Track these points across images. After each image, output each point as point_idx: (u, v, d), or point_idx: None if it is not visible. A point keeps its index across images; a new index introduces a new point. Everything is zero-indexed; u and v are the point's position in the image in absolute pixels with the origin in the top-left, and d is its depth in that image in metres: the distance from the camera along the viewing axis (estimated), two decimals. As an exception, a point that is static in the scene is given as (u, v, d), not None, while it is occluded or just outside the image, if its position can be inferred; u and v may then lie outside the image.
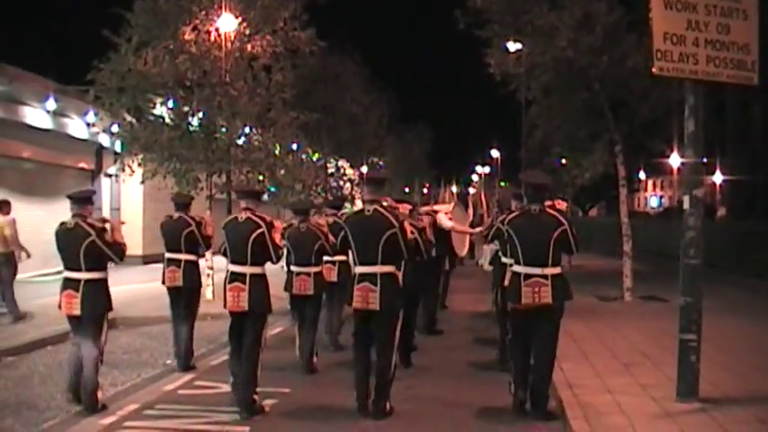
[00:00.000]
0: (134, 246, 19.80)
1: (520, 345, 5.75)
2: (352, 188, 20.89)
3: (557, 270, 5.56)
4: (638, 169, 47.90)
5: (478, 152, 62.36)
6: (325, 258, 7.59)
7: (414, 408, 6.01)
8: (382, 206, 5.76)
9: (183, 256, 7.40)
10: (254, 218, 5.95)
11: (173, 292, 7.47)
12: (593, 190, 30.08)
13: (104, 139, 18.76)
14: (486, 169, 61.01)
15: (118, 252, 5.83)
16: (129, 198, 20.30)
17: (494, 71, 12.46)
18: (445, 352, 8.48)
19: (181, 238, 7.41)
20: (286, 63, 13.15)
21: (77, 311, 5.74)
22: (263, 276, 5.94)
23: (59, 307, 5.91)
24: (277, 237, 5.95)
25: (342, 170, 20.57)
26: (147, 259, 19.42)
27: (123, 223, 6.61)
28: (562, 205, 6.09)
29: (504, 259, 6.57)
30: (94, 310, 5.77)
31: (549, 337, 5.63)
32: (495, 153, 56.03)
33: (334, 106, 18.58)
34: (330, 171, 19.92)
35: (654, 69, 5.75)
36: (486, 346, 8.38)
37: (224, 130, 12.52)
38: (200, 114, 12.39)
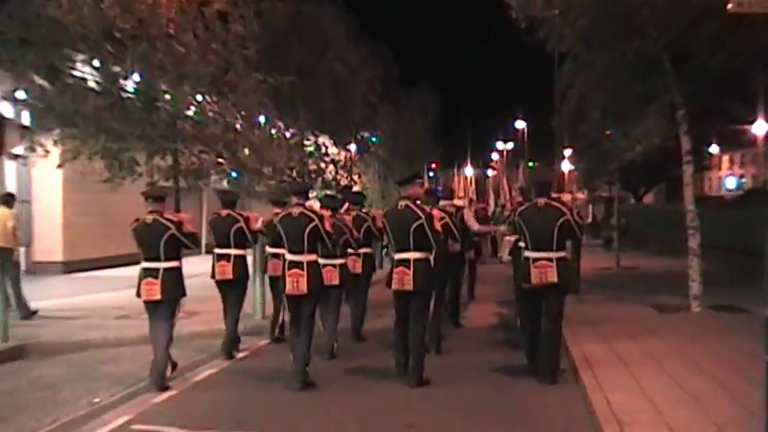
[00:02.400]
0: (53, 250, 19.62)
1: (530, 319, 8.69)
2: (336, 172, 20.73)
3: (561, 254, 8.30)
4: (709, 141, 47.69)
5: (499, 124, 62.63)
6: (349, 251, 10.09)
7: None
8: (414, 202, 8.48)
9: (233, 251, 10.15)
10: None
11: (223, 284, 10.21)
12: (648, 169, 30.07)
13: (6, 109, 18.41)
14: (510, 145, 61.14)
15: (195, 240, 8.49)
16: (43, 187, 19.50)
17: (516, 15, 12.21)
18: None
19: (230, 233, 10.13)
20: (248, 9, 13.08)
21: (158, 296, 8.24)
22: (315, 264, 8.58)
23: (138, 295, 8.43)
24: (327, 224, 8.46)
25: (323, 149, 20.38)
26: (69, 267, 19.23)
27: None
28: (567, 197, 8.90)
29: (525, 253, 8.54)
30: (172, 294, 8.36)
31: (556, 311, 8.38)
32: (520, 124, 56.11)
33: (312, 67, 18.41)
34: (308, 150, 19.76)
35: (729, 6, 5.65)
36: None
37: (168, 97, 12.48)
38: (137, 77, 12.33)
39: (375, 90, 21.73)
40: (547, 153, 34.46)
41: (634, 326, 10.81)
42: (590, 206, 51.83)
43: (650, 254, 24.80)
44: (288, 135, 18.26)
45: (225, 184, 15.42)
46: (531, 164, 55.03)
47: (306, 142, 19.53)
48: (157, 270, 8.27)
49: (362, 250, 10.85)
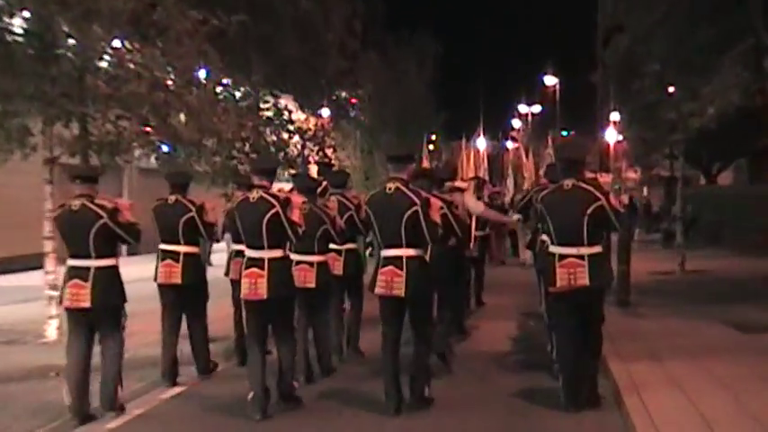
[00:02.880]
0: None
1: (562, 332, 8.74)
2: (303, 145, 20.61)
3: (594, 249, 8.31)
4: None
5: (522, 81, 62.45)
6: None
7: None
8: (406, 184, 8.56)
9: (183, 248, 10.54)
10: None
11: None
12: (725, 139, 29.89)
13: None
14: (536, 109, 61.11)
15: (135, 233, 8.95)
16: None
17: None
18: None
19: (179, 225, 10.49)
20: None
21: (86, 303, 8.50)
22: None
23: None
24: (295, 213, 8.63)
25: (286, 114, 20.26)
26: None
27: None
28: (605, 179, 8.95)
29: (550, 248, 8.75)
30: (106, 301, 8.64)
31: (594, 322, 8.53)
32: (550, 81, 56.08)
33: (270, 2, 18.29)
34: (266, 116, 19.63)
35: None
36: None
37: (72, 42, 12.34)
38: (27, 14, 12.19)
39: (355, 34, 21.56)
40: (586, 119, 34.38)
41: (704, 348, 10.78)
42: (645, 190, 52.26)
43: (727, 253, 24.83)
44: (238, 96, 18.16)
45: (153, 160, 15.33)
46: (564, 133, 55.20)
47: (262, 105, 19.40)
48: (87, 270, 8.49)
49: (346, 246, 11.04)
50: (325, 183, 11.21)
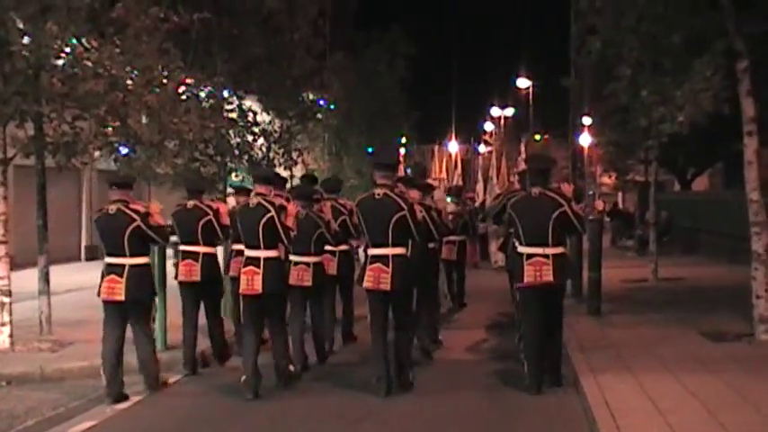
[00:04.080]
0: None
1: (529, 322, 10.08)
2: (269, 147, 20.49)
3: (558, 250, 9.76)
4: None
5: (495, 83, 62.63)
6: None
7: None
8: (392, 190, 9.85)
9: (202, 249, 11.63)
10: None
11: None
12: (699, 144, 30.11)
13: None
14: (509, 111, 61.32)
15: (163, 234, 10.21)
16: None
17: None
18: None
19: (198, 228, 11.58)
20: None
21: (121, 296, 9.73)
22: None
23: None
24: (290, 219, 10.08)
25: (251, 116, 20.14)
26: None
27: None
28: (568, 188, 10.45)
29: (519, 248, 10.08)
30: (138, 295, 9.90)
31: (555, 314, 10.10)
32: (523, 83, 56.28)
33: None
34: (230, 117, 19.50)
35: None
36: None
37: (26, 40, 12.23)
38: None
39: (322, 32, 21.45)
40: (560, 122, 34.61)
41: (676, 358, 10.83)
42: (619, 196, 52.50)
43: (701, 260, 25.02)
44: (201, 96, 18.03)
45: (112, 163, 15.23)
46: (537, 137, 55.41)
47: (227, 106, 19.27)
48: (122, 267, 9.80)
49: (340, 248, 12.48)
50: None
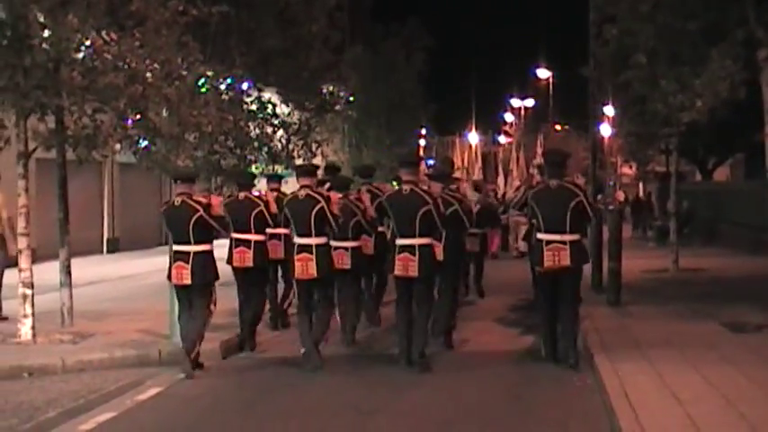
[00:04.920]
0: None
1: (546, 304, 11.09)
2: (288, 140, 20.51)
3: (575, 237, 10.66)
4: None
5: (515, 74, 62.27)
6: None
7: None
8: (417, 185, 10.90)
9: (254, 237, 12.48)
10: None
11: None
12: (720, 134, 29.91)
13: None
14: (529, 102, 61.10)
15: (224, 224, 11.37)
16: None
17: None
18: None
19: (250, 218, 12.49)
20: None
21: (188, 280, 10.84)
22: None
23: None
24: (334, 208, 11.01)
25: (269, 107, 20.16)
26: None
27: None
28: (581, 181, 12.06)
29: (538, 236, 11.01)
30: (203, 278, 10.94)
31: (572, 297, 10.93)
32: (543, 74, 56.06)
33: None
34: (249, 109, 19.52)
35: None
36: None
37: (47, 33, 12.23)
38: (-2, 1, 12.09)
39: (340, 26, 21.42)
40: (580, 113, 34.38)
41: (696, 349, 10.78)
42: (640, 186, 52.31)
43: (722, 251, 24.84)
44: (223, 88, 18.04)
45: (132, 155, 15.28)
46: (558, 127, 55.19)
47: (246, 99, 19.29)
48: (188, 254, 10.81)
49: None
50: (329, 184, 12.70)
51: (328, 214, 10.87)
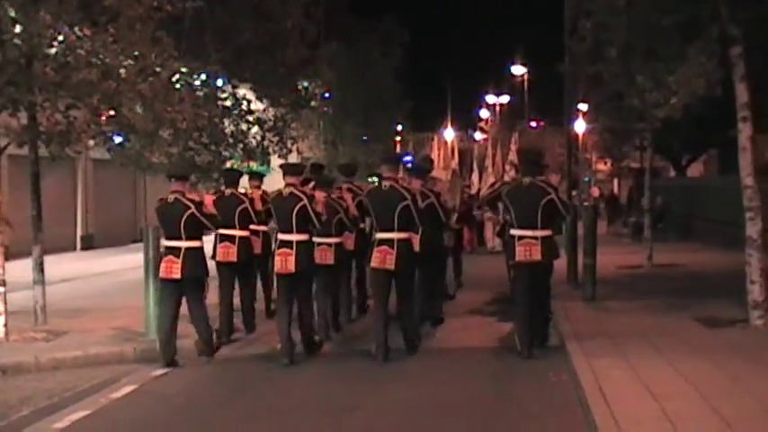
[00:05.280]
0: None
1: (521, 295, 11.42)
2: (263, 136, 20.42)
3: (546, 233, 11.13)
4: None
5: (491, 70, 62.45)
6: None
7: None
8: (397, 182, 11.45)
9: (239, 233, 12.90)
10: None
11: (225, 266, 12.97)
12: (694, 130, 30.05)
13: None
14: (505, 99, 61.25)
15: (215, 222, 11.75)
16: None
17: None
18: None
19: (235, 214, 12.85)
20: None
21: (177, 275, 11.08)
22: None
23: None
24: (319, 206, 11.31)
25: (245, 104, 20.06)
26: None
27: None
28: (555, 179, 12.70)
29: (511, 231, 11.55)
30: (193, 273, 11.24)
31: (543, 288, 11.68)
32: (518, 70, 56.21)
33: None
34: (224, 105, 19.42)
35: None
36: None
37: (18, 28, 12.18)
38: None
39: (313, 20, 21.34)
40: (555, 109, 34.57)
41: (670, 344, 10.84)
42: (615, 182, 52.46)
43: (696, 246, 25.00)
44: (198, 84, 17.99)
45: (106, 151, 15.20)
46: (533, 124, 55.32)
47: (220, 95, 19.20)
48: (179, 249, 11.14)
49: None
50: (313, 183, 12.69)
51: (310, 212, 11.16)
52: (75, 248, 30.69)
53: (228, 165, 18.81)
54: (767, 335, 11.63)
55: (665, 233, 27.61)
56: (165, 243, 11.36)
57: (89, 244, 31.49)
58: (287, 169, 11.96)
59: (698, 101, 12.91)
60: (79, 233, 31.55)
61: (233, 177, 13.65)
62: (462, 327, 13.60)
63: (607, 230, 34.51)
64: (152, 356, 11.37)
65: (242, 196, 13.05)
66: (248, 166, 19.30)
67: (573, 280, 16.60)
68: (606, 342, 11.17)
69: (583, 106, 30.29)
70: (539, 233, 11.06)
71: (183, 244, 11.16)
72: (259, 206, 12.96)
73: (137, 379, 10.43)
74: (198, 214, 11.21)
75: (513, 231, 11.36)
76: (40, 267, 13.07)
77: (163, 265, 11.24)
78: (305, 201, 11.18)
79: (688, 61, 12.21)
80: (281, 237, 11.28)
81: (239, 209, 12.83)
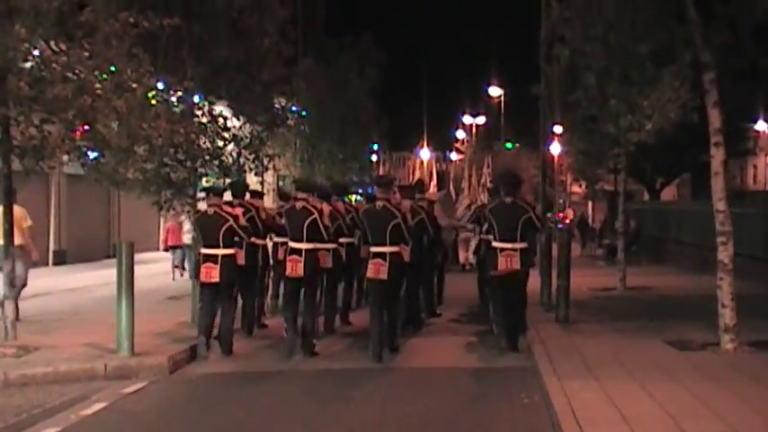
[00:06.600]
0: None
1: (499, 301, 13.12)
2: (240, 153, 20.35)
3: (524, 245, 12.80)
4: (755, 115, 47.18)
5: (467, 92, 62.61)
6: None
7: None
8: (389, 202, 12.79)
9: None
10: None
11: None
12: (667, 154, 30.30)
13: None
14: (481, 120, 61.43)
15: (248, 233, 13.48)
16: None
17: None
18: None
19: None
20: None
21: (216, 279, 12.68)
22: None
23: (195, 276, 14.00)
24: (326, 219, 12.85)
25: (221, 120, 19.99)
26: None
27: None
28: (530, 198, 15.89)
29: (494, 244, 13.05)
30: (229, 277, 12.90)
31: (520, 294, 13.09)
32: (495, 92, 56.43)
33: (204, 4, 18.05)
34: (200, 122, 19.34)
35: None
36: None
37: (-9, 42, 12.05)
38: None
39: (287, 37, 21.33)
40: (530, 131, 34.61)
41: (642, 367, 10.85)
42: (589, 205, 52.67)
43: (669, 269, 25.15)
44: (174, 100, 17.90)
45: (80, 166, 15.10)
46: (508, 145, 55.51)
47: (197, 111, 19.13)
48: (216, 256, 12.66)
49: (347, 240, 15.07)
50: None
51: (321, 226, 12.65)
52: (47, 264, 30.44)
53: (204, 182, 18.74)
54: (738, 359, 11.66)
55: (639, 256, 27.76)
56: (204, 251, 12.78)
57: (62, 259, 31.25)
58: (299, 185, 13.99)
59: (671, 126, 13.03)
60: (52, 248, 31.30)
61: (240, 190, 15.18)
62: (435, 345, 13.72)
63: (581, 253, 34.63)
64: (123, 373, 11.31)
65: (225, 214, 13.21)
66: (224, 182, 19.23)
67: (546, 302, 16.65)
68: (579, 364, 11.16)
69: (558, 129, 30.45)
70: (518, 245, 12.72)
71: (221, 252, 12.66)
72: (243, 221, 13.42)
73: (107, 396, 10.36)
74: (235, 226, 12.86)
75: (496, 244, 12.91)
76: (11, 282, 12.97)
77: (203, 270, 12.70)
78: (316, 215, 12.64)
79: (661, 86, 12.31)
80: (293, 245, 12.69)
81: (224, 227, 12.96)
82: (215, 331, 12.98)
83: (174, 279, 24.49)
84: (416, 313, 15.22)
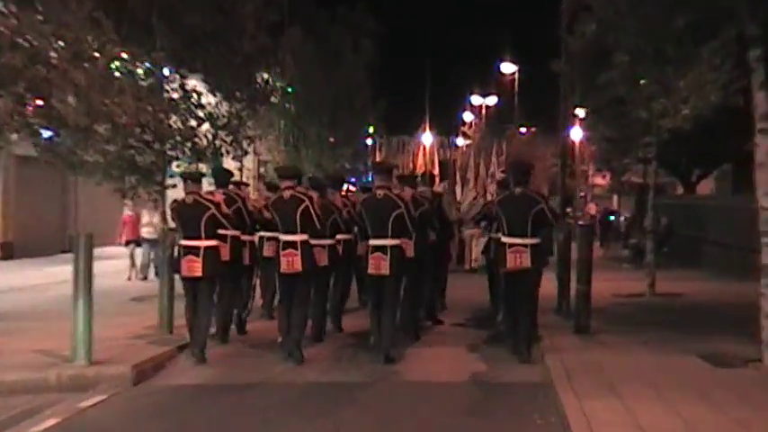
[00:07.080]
0: None
1: (508, 301, 13.55)
2: (215, 135, 20.36)
3: (535, 240, 12.93)
4: None
5: (476, 68, 62.56)
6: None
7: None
8: (390, 190, 13.11)
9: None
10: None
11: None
12: (706, 142, 30.24)
13: None
14: (492, 100, 61.39)
15: (231, 222, 13.68)
16: None
17: None
18: None
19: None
20: None
21: (199, 273, 12.92)
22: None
23: (177, 272, 13.45)
24: (316, 206, 13.01)
25: (195, 97, 19.98)
26: None
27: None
28: (543, 189, 14.79)
29: (502, 239, 13.22)
30: (213, 271, 13.22)
31: (531, 294, 13.25)
32: (507, 68, 56.35)
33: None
34: (171, 98, 19.35)
35: None
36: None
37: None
38: None
39: (277, 5, 21.36)
40: (549, 114, 34.65)
41: (673, 386, 10.86)
42: (614, 198, 52.63)
43: (704, 274, 25.11)
44: (141, 73, 17.88)
45: (32, 147, 15.11)
46: (523, 129, 55.46)
47: (167, 86, 19.11)
48: (198, 248, 12.84)
49: (344, 236, 15.36)
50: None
51: (313, 214, 12.85)
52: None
53: (175, 167, 18.76)
54: (784, 378, 11.72)
55: (670, 258, 27.77)
56: (184, 243, 12.92)
57: (8, 253, 31.26)
58: (282, 172, 13.73)
59: (711, 110, 12.97)
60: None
61: (224, 179, 15.09)
62: (436, 356, 13.75)
63: (604, 254, 34.63)
64: (80, 384, 11.31)
65: (207, 202, 13.33)
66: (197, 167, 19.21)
67: (564, 309, 16.66)
68: (600, 381, 11.17)
69: (580, 111, 30.46)
70: (528, 241, 12.88)
71: (203, 243, 12.85)
72: (225, 210, 13.64)
73: (61, 410, 10.37)
74: (218, 214, 13.04)
75: (504, 239, 13.12)
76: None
77: (184, 264, 12.87)
78: (308, 202, 12.86)
79: (700, 64, 12.24)
80: (285, 238, 12.90)
81: (205, 216, 13.10)
82: (213, 330, 13.65)
83: (129, 279, 24.41)
84: (416, 320, 15.25)
